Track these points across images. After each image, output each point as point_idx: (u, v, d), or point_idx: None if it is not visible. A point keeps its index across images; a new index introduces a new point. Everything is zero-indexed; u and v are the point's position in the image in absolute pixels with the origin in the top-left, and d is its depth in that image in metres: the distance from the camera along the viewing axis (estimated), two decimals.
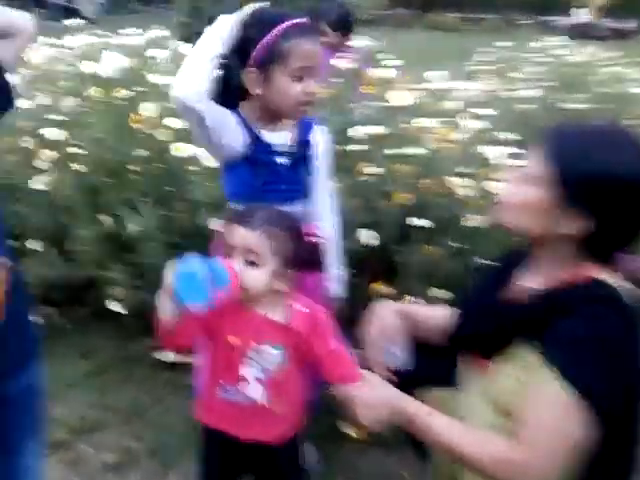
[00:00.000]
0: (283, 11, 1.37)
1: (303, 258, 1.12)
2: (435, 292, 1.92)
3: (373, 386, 1.13)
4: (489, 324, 1.13)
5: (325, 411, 1.50)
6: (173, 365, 1.93)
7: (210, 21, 1.32)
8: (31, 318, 1.11)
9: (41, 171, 1.97)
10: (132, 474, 1.65)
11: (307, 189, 1.44)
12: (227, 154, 1.34)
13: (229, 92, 1.33)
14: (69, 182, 1.92)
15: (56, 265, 2.02)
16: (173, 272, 0.98)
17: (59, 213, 1.99)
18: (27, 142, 2.02)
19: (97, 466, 1.66)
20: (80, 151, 1.96)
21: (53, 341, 2.10)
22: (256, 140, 1.34)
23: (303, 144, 1.41)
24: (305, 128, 1.43)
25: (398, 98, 2.09)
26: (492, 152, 2.14)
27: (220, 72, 1.32)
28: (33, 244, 2.03)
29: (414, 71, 2.51)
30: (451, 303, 1.40)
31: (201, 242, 1.50)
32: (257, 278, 1.07)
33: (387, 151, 1.99)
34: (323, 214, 1.49)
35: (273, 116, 1.36)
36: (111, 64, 2.02)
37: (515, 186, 1.09)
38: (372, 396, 1.12)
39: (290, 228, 1.11)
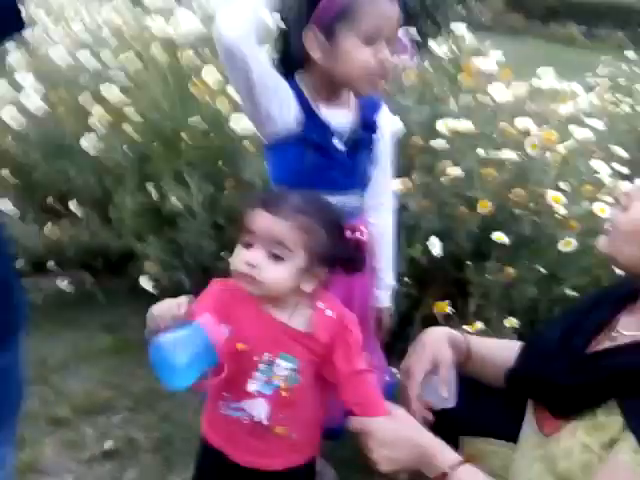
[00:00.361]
0: None
1: (339, 257, 0.93)
2: (509, 321, 1.62)
3: (398, 421, 0.92)
4: (569, 374, 0.89)
5: (352, 436, 1.27)
6: None
7: None
8: (17, 288, 0.89)
9: (93, 131, 1.86)
10: (131, 467, 1.48)
11: (365, 179, 1.21)
12: (274, 129, 1.12)
13: (287, 56, 1.13)
14: (119, 145, 1.80)
15: (96, 231, 1.91)
16: (151, 342, 0.79)
17: (105, 177, 1.87)
18: (83, 99, 1.92)
19: (95, 452, 1.51)
20: (135, 114, 1.83)
21: (79, 309, 2.03)
22: (311, 116, 1.12)
23: (367, 126, 1.18)
24: (371, 107, 1.20)
25: (498, 93, 1.79)
26: (602, 168, 1.80)
27: (278, 30, 1.12)
28: (75, 207, 1.94)
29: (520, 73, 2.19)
30: (524, 337, 1.13)
31: None
32: (279, 275, 0.89)
33: (477, 151, 1.71)
34: (380, 210, 1.27)
35: (335, 89, 1.14)
36: (182, 25, 1.87)
37: (631, 211, 0.88)
38: (394, 432, 0.91)
39: (327, 220, 0.92)
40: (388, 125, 1.25)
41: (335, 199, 1.10)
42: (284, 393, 0.92)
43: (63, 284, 1.99)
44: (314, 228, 0.89)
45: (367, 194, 1.23)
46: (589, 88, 2.63)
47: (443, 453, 0.89)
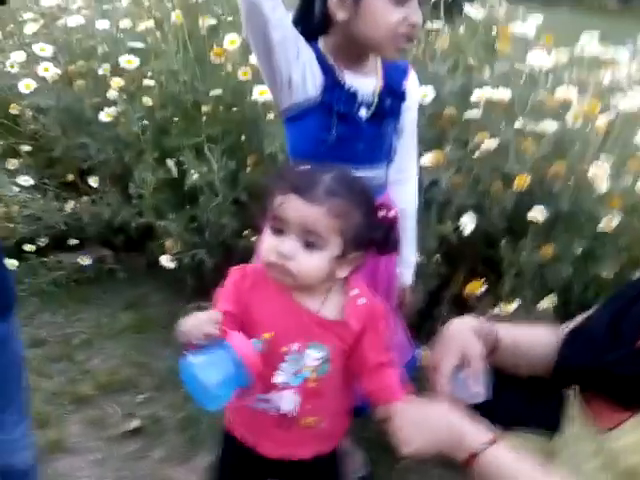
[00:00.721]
0: None
1: (375, 239, 0.86)
2: (548, 299, 1.54)
3: (424, 403, 0.87)
4: (632, 364, 0.82)
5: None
6: None
7: None
8: (3, 266, 0.92)
9: (111, 102, 1.80)
10: (157, 446, 1.47)
11: (391, 152, 1.14)
12: (295, 98, 1.04)
13: (309, 20, 1.04)
14: (137, 117, 1.73)
15: (116, 208, 1.87)
16: (182, 360, 0.77)
17: (125, 152, 1.82)
18: (101, 68, 1.86)
19: (119, 431, 1.50)
20: (153, 84, 1.76)
21: (101, 286, 2.02)
22: (335, 83, 1.04)
23: (393, 94, 1.10)
24: (398, 74, 1.12)
25: (537, 60, 1.67)
26: None
27: None
28: (95, 183, 1.90)
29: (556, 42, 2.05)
30: (558, 318, 1.06)
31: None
32: (315, 265, 0.82)
33: (514, 123, 1.60)
34: (403, 184, 1.20)
35: (360, 54, 1.06)
36: None
37: None
38: (420, 411, 0.85)
39: (362, 201, 0.84)
40: (415, 93, 1.17)
41: (360, 174, 1.04)
42: (312, 384, 0.87)
43: (84, 261, 1.97)
44: (349, 211, 0.81)
45: (395, 167, 1.16)
46: (631, 57, 2.47)
47: (474, 431, 0.83)
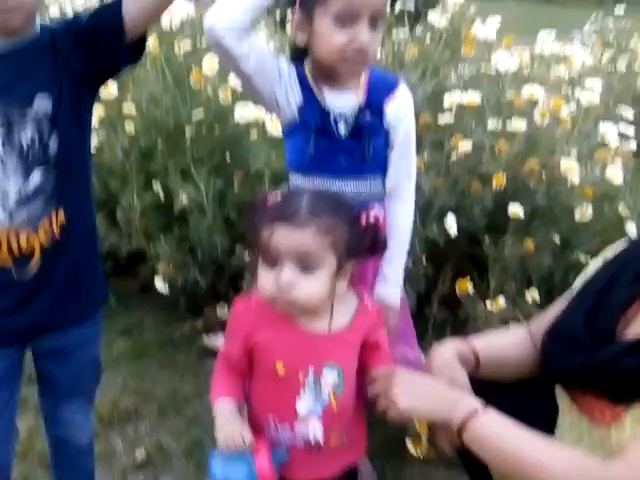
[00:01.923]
0: None
1: (364, 245, 0.89)
2: (530, 293, 1.61)
3: (421, 375, 0.93)
4: (626, 358, 0.84)
5: (382, 422, 1.25)
6: None
7: None
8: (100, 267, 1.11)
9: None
10: (165, 475, 1.46)
11: (381, 165, 1.16)
12: (284, 115, 1.10)
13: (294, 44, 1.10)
14: (120, 145, 1.73)
15: (103, 233, 1.85)
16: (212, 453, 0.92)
17: (108, 178, 1.81)
18: None
19: (127, 463, 1.49)
20: (133, 111, 1.76)
21: None
22: (312, 101, 1.09)
23: (374, 109, 1.12)
24: (382, 90, 1.14)
25: (502, 62, 1.75)
26: (609, 131, 1.78)
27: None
28: None
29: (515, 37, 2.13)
30: (544, 308, 1.12)
31: None
32: (316, 288, 0.84)
33: (486, 124, 1.67)
34: (398, 201, 1.19)
35: (333, 72, 1.08)
36: (175, 13, 1.80)
37: None
38: (418, 376, 0.91)
39: (345, 213, 0.88)
40: (405, 106, 1.17)
41: (347, 186, 1.10)
42: (334, 404, 0.89)
43: None
44: (336, 226, 0.84)
45: (387, 180, 1.18)
46: (583, 47, 2.59)
47: (468, 397, 0.88)
